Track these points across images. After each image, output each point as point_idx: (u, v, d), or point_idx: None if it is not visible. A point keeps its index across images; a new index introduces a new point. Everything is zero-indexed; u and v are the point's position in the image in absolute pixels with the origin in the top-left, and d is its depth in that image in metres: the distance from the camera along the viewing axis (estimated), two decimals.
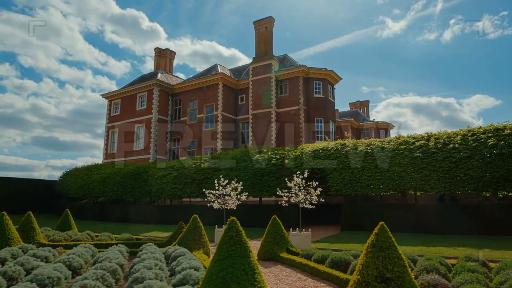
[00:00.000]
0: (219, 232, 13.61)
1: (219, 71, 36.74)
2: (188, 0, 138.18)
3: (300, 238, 11.95)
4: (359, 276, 5.32)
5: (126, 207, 26.22)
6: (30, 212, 11.57)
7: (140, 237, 14.05)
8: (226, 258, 4.99)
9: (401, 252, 5.30)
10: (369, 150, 16.85)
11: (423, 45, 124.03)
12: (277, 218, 10.42)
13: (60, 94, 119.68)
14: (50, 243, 11.43)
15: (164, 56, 43.48)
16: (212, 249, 12.17)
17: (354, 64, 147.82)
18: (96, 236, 13.77)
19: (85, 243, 9.56)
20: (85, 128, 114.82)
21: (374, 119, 54.26)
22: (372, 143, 17.31)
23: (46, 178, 38.62)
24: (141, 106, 38.30)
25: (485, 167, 13.98)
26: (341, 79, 35.16)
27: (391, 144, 16.61)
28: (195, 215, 10.36)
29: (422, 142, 15.84)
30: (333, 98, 35.10)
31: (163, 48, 43.53)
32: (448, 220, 14.86)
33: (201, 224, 10.27)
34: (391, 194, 19.23)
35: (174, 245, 9.88)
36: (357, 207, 17.60)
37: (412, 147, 15.94)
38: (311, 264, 7.79)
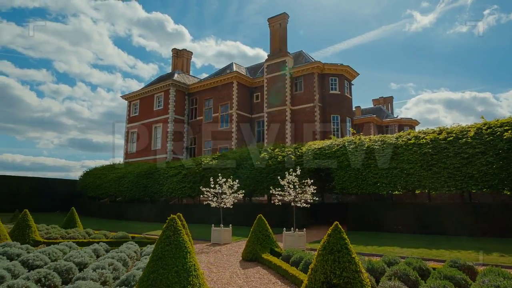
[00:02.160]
0: (214, 231, 13.35)
1: (234, 70, 36.54)
2: (212, 1, 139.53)
3: (293, 239, 11.42)
4: (307, 282, 4.84)
5: (140, 206, 26.60)
6: (27, 210, 11.80)
7: (136, 235, 14.04)
8: (159, 259, 4.67)
9: (356, 255, 4.77)
10: (376, 147, 15.96)
11: (454, 38, 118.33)
12: (263, 217, 9.99)
13: (92, 97, 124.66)
14: (45, 240, 11.67)
15: (181, 57, 43.96)
16: (204, 247, 11.94)
17: (381, 61, 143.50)
18: (96, 233, 13.95)
19: (68, 241, 9.57)
20: (116, 129, 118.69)
21: (397, 116, 52.19)
22: (379, 139, 16.39)
23: (70, 178, 40.04)
24: (158, 107, 38.85)
25: (500, 163, 12.81)
26: (358, 74, 33.96)
27: (399, 140, 15.66)
28: (178, 213, 10.11)
29: (433, 136, 14.79)
30: (350, 94, 33.95)
31: (180, 48, 43.99)
32: (460, 220, 13.73)
33: (185, 222, 10.01)
34: (406, 193, 18.16)
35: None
36: (364, 206, 16.75)
37: (421, 142, 14.93)
38: (284, 266, 7.32)
